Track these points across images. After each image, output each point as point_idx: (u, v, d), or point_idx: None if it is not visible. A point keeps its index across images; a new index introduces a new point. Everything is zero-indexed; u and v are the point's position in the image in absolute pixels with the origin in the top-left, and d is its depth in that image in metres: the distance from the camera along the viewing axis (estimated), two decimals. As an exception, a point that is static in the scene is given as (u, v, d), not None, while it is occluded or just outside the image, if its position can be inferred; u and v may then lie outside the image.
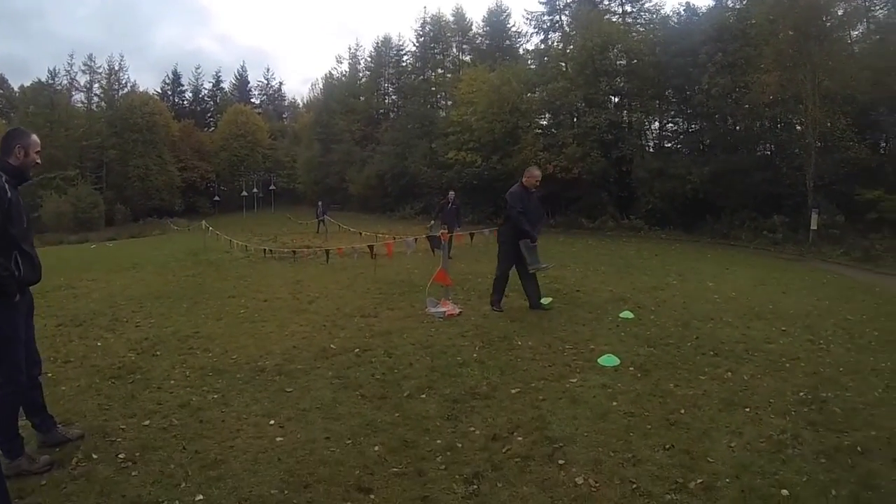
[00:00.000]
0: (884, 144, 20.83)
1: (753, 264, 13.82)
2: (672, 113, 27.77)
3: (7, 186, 3.22)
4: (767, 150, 23.41)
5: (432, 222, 12.60)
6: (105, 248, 24.12)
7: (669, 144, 27.49)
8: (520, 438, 3.64)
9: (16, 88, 56.78)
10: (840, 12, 19.57)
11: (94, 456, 3.51)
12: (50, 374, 5.12)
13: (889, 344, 6.15)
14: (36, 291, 9.52)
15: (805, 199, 18.66)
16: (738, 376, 4.84)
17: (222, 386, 4.70)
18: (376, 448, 3.54)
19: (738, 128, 23.92)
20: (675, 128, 28.15)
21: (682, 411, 4.06)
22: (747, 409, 4.10)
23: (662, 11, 30.09)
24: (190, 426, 3.94)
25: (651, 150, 27.20)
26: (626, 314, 7.11)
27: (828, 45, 18.37)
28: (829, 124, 18.16)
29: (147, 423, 4.01)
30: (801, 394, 4.45)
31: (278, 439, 3.70)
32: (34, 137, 3.45)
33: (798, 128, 20.57)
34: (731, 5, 25.53)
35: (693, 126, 26.50)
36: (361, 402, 4.29)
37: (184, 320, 7.29)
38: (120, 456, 3.50)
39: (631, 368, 5.00)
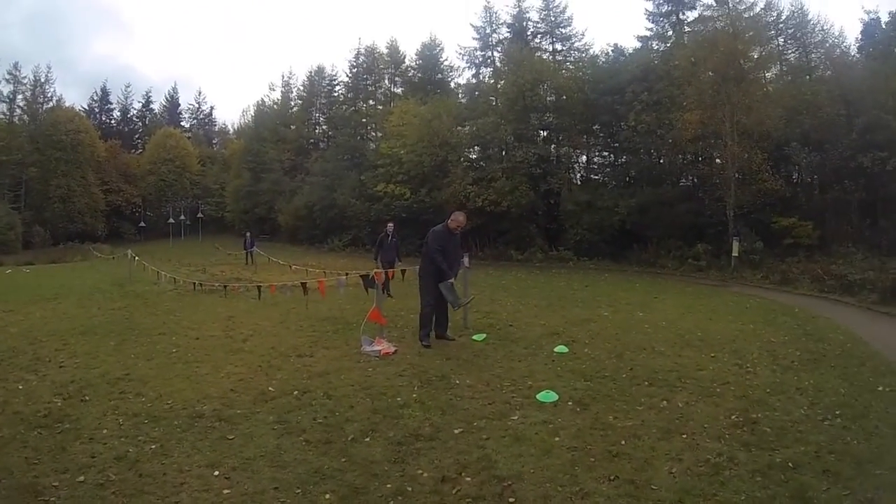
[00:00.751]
0: (796, 175, 22.72)
1: (680, 291, 14.50)
2: (599, 147, 28.93)
3: None
4: (690, 182, 24.80)
5: (377, 260, 12.36)
6: (22, 273, 22.56)
7: (597, 177, 28.46)
8: (468, 479, 3.68)
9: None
10: (756, 56, 21.28)
11: (25, 520, 3.24)
12: None
13: (810, 363, 6.66)
14: None
15: (726, 228, 19.89)
16: (674, 404, 5.09)
17: (160, 434, 4.49)
18: (327, 496, 3.50)
19: (662, 161, 25.27)
20: (603, 161, 29.29)
21: (623, 442, 4.23)
22: (684, 436, 4.34)
23: (591, 51, 31.55)
24: (129, 481, 3.73)
25: (579, 182, 28.09)
26: (561, 348, 7.25)
27: (745, 86, 19.74)
28: (746, 157, 19.51)
29: (81, 478, 3.77)
30: (733, 417, 4.75)
31: (225, 492, 3.59)
32: None
33: (718, 161, 21.92)
34: (656, 48, 27.51)
35: (620, 160, 27.63)
36: (306, 448, 4.21)
37: (113, 360, 6.92)
38: (54, 517, 3.25)
39: (570, 403, 5.13)
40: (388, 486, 3.61)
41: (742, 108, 19.41)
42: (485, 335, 8.04)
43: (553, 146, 27.99)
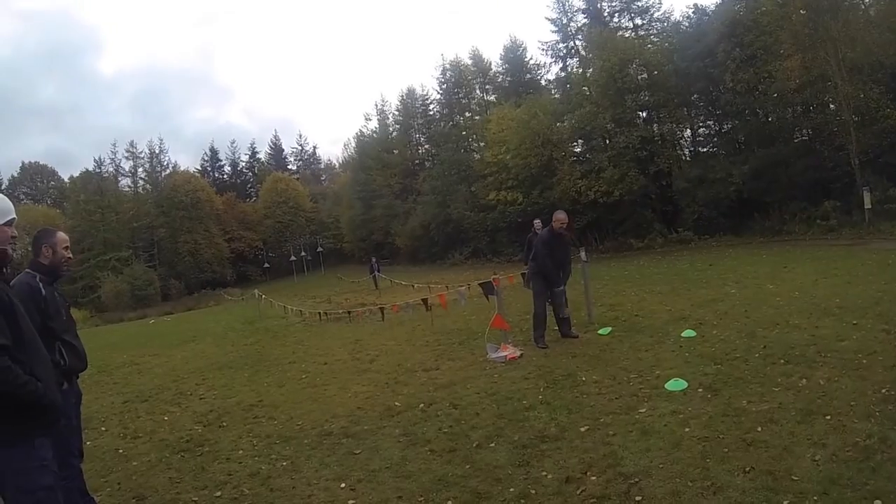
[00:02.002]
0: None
1: (812, 257, 13.32)
2: (702, 117, 27.40)
3: (41, 285, 3.34)
4: (805, 136, 22.83)
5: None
6: (163, 322, 25.09)
7: (705, 149, 27.13)
8: (593, 478, 3.54)
9: (66, 179, 60.81)
10: None
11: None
12: (120, 451, 5.40)
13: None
14: (102, 369, 10.12)
15: (853, 179, 18.11)
16: (814, 382, 4.61)
17: (290, 452, 4.75)
18: (449, 503, 3.50)
19: (770, 119, 23.47)
20: (708, 131, 27.73)
21: (759, 429, 3.87)
22: (828, 417, 3.89)
23: (672, 18, 30.04)
24: (261, 495, 3.98)
25: (687, 158, 26.89)
26: (689, 333, 6.92)
27: (843, 16, 18.01)
28: (861, 96, 17.63)
29: (219, 493, 4.08)
30: (884, 391, 4.20)
31: (350, 502, 3.70)
32: (60, 234, 3.56)
33: (832, 106, 20.19)
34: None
35: (725, 126, 26.11)
36: (431, 458, 4.25)
37: (247, 389, 7.47)
38: (194, 529, 3.54)
39: (700, 390, 4.83)
40: (512, 489, 3.55)
41: (845, 40, 17.67)
42: (610, 328, 7.87)
43: (655, 125, 26.90)
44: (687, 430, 4.04)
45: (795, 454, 3.45)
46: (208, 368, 9.54)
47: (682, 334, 6.92)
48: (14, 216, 2.66)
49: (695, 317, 7.97)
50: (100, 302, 43.19)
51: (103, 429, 6.40)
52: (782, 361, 5.26)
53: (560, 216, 7.69)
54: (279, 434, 5.28)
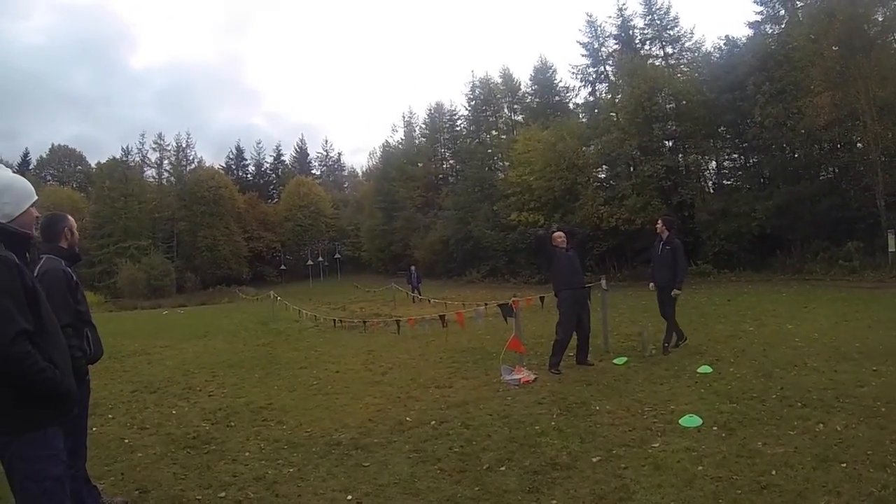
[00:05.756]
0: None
1: (833, 298, 13.13)
2: (728, 150, 27.26)
3: (70, 270, 3.40)
4: (831, 174, 22.54)
5: None
6: (176, 314, 25.28)
7: (729, 182, 26.89)
8: (604, 511, 3.50)
9: (92, 165, 62.19)
10: (880, 18, 18.96)
11: (170, 526, 3.54)
12: (126, 440, 5.42)
13: None
14: (112, 356, 10.15)
15: (878, 221, 17.84)
16: (831, 428, 4.53)
17: (298, 459, 4.72)
18: None
19: (796, 155, 23.14)
20: (733, 164, 27.56)
21: (774, 472, 3.81)
22: (844, 465, 3.82)
23: (703, 48, 29.89)
24: (266, 500, 3.96)
25: (711, 190, 26.74)
26: (705, 369, 6.85)
27: (875, 55, 17.81)
28: (890, 136, 17.45)
29: (223, 495, 4.06)
30: (902, 441, 4.13)
31: None
32: (71, 218, 3.64)
33: (859, 145, 19.83)
34: (770, 31, 25.29)
35: (751, 160, 25.91)
36: (440, 477, 4.22)
37: (257, 391, 7.46)
38: (195, 528, 3.52)
39: (714, 428, 4.77)
40: None
41: (876, 79, 17.46)
42: (626, 358, 7.81)
43: (680, 155, 26.76)
44: (700, 468, 3.98)
45: (809, 500, 3.40)
46: (219, 365, 9.55)
47: (699, 370, 6.84)
48: (36, 197, 2.69)
49: (712, 352, 7.89)
50: (115, 288, 43.84)
51: (110, 416, 6.43)
52: (799, 404, 5.18)
53: (552, 234, 7.96)
54: (287, 439, 5.26)
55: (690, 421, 4.94)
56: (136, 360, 10.61)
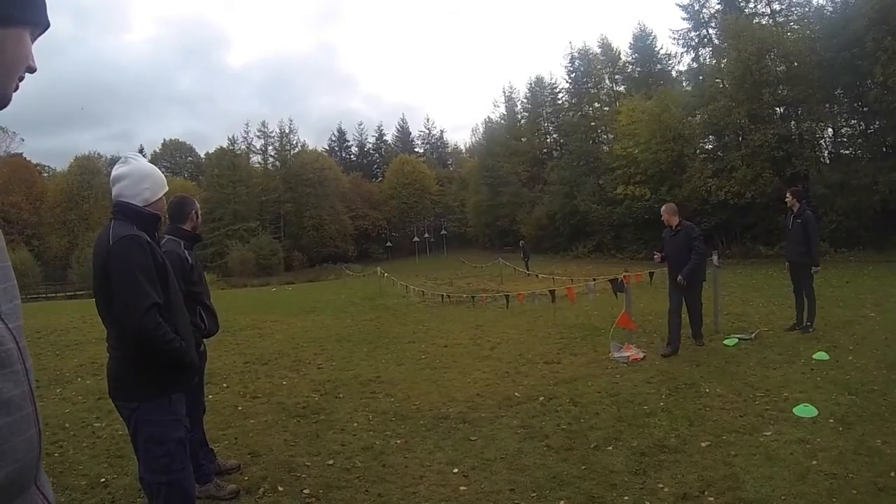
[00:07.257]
0: None
1: (968, 282, 11.90)
2: (846, 115, 25.07)
3: (186, 253, 3.69)
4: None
5: None
6: (285, 291, 26.73)
7: (847, 152, 24.83)
8: (711, 499, 3.46)
9: (202, 155, 66.77)
10: None
11: (280, 489, 3.84)
12: (239, 408, 5.83)
13: None
14: (226, 330, 10.91)
15: None
16: (963, 427, 4.21)
17: (405, 431, 4.90)
18: (562, 502, 3.51)
19: (925, 120, 20.89)
20: (852, 132, 25.28)
21: (893, 474, 3.59)
22: (974, 472, 3.54)
23: (815, 2, 27.51)
24: (373, 469, 4.11)
25: (827, 161, 24.87)
26: (821, 355, 6.52)
27: None
28: None
29: (331, 462, 4.29)
30: None
31: (462, 488, 3.75)
32: (197, 202, 3.97)
33: None
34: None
35: (872, 127, 23.75)
36: (547, 453, 4.27)
37: (365, 364, 7.78)
38: (304, 491, 3.79)
39: (831, 420, 4.56)
40: (626, 497, 3.54)
41: None
42: (736, 339, 7.60)
43: (793, 123, 24.91)
44: (814, 462, 3.84)
45: (931, 508, 3.20)
46: (327, 339, 10.00)
47: (814, 356, 6.53)
48: (168, 188, 2.99)
49: (828, 338, 7.49)
50: (226, 267, 47.32)
51: (224, 385, 6.92)
52: (927, 400, 4.83)
53: (662, 211, 7.63)
54: (395, 412, 5.47)
55: (805, 411, 4.76)
56: (248, 333, 11.26)
